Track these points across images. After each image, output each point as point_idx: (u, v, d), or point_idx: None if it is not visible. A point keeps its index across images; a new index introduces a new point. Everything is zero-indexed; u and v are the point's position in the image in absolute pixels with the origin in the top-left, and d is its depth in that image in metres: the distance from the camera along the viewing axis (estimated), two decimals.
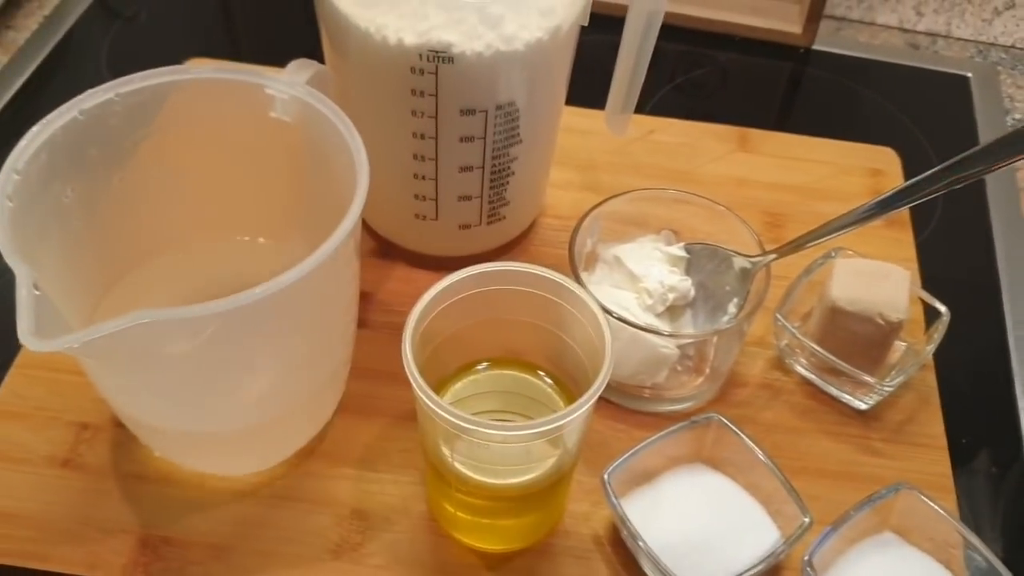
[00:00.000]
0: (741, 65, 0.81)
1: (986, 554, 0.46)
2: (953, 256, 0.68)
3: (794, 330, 0.55)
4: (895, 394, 0.56)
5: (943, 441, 0.55)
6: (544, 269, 0.45)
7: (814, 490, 0.51)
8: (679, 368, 0.54)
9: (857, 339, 0.54)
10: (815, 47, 0.81)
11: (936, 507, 0.48)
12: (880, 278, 0.55)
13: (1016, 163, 0.44)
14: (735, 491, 0.51)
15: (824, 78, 0.80)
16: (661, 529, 0.48)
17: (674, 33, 0.82)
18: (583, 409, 0.41)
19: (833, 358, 0.54)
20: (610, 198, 0.56)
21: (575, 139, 0.68)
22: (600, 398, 0.41)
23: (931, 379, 0.58)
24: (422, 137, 0.51)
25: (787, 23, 0.81)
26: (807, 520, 0.47)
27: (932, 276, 0.63)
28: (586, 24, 0.52)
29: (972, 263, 0.68)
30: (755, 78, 0.81)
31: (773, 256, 0.54)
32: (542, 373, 0.50)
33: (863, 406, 0.55)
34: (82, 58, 0.77)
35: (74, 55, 0.78)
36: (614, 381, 0.54)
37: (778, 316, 0.55)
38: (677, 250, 0.56)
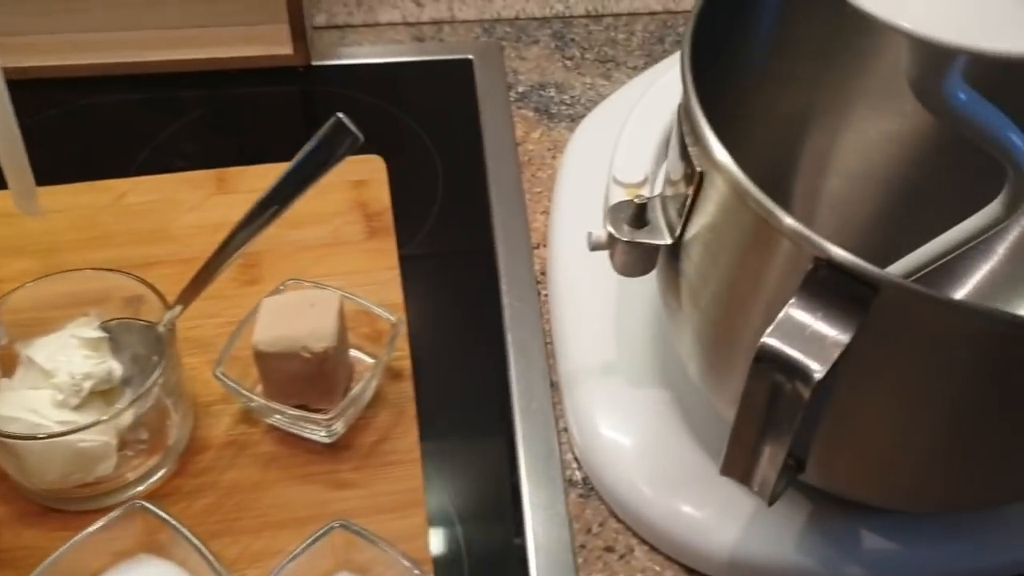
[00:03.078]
0: (239, 100, 0.77)
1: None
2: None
3: (230, 383, 0.52)
4: (370, 414, 0.55)
5: (416, 453, 0.54)
6: None
7: (278, 544, 0.49)
8: (130, 453, 0.51)
9: (294, 377, 0.52)
10: (317, 63, 0.79)
11: (367, 536, 0.46)
12: (304, 308, 0.53)
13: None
14: None
15: (327, 93, 0.78)
16: None
17: (161, 82, 0.77)
18: None
19: (271, 404, 0.52)
20: (7, 294, 0.52)
21: (31, 223, 0.63)
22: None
23: (407, 388, 0.57)
24: None
25: (278, 45, 0.78)
26: None
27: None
28: None
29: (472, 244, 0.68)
30: (257, 110, 0.77)
31: (178, 310, 0.51)
32: None
33: (328, 439, 0.53)
34: None
35: None
36: (49, 492, 0.50)
37: (217, 373, 0.52)
38: (92, 332, 0.52)
